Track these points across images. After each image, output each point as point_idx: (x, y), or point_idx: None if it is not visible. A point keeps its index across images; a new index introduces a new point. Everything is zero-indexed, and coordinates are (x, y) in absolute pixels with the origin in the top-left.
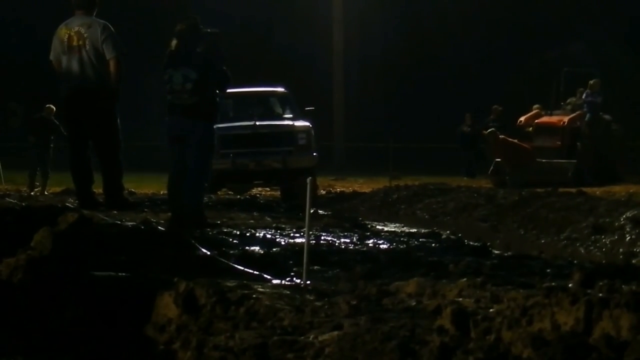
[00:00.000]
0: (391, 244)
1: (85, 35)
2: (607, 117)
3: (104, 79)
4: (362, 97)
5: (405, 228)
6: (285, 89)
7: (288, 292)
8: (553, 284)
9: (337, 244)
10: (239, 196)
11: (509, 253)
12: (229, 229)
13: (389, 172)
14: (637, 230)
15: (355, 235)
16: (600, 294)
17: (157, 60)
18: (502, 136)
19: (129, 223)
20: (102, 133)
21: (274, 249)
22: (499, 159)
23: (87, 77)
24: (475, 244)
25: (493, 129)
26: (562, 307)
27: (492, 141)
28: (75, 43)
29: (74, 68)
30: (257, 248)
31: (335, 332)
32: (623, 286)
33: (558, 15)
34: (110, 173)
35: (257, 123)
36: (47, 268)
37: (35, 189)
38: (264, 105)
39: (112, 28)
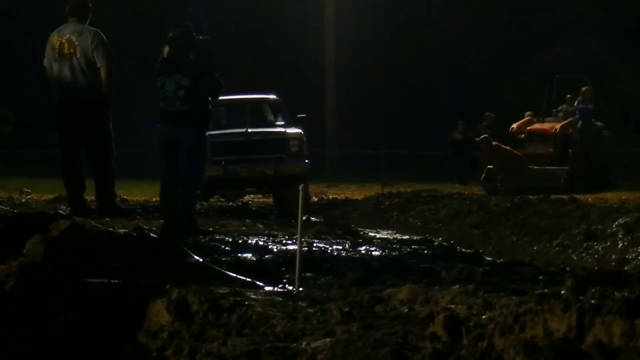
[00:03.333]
0: (383, 251)
1: (76, 43)
2: (599, 124)
3: (96, 87)
4: (354, 104)
5: (397, 235)
6: (277, 96)
7: (280, 299)
8: (545, 290)
9: (329, 251)
10: (231, 203)
11: (501, 260)
12: (221, 236)
13: (381, 179)
14: (629, 237)
15: (348, 242)
16: (593, 301)
17: (148, 67)
18: (495, 142)
19: (121, 230)
20: (94, 140)
21: (267, 256)
22: (491, 166)
23: (78, 84)
24: (468, 250)
25: (486, 135)
26: (555, 314)
27: (485, 147)
28: (66, 51)
29: (65, 75)
30: (249, 255)
31: (328, 339)
32: (615, 293)
33: (551, 22)
34: (102, 180)
35: (249, 130)
36: (39, 275)
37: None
38: (255, 113)
39: (103, 36)
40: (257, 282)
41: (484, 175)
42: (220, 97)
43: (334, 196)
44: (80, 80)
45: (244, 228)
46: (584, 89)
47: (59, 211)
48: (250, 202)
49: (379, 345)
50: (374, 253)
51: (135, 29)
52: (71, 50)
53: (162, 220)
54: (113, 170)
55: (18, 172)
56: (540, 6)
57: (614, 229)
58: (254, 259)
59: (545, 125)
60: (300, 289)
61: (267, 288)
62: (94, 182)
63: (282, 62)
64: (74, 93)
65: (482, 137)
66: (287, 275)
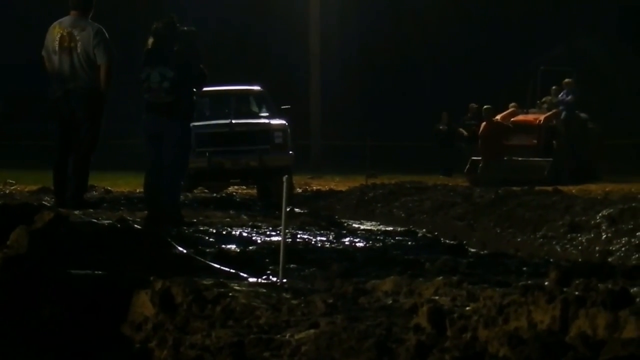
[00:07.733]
0: (367, 243)
1: (78, 37)
2: (583, 115)
3: (93, 83)
4: (338, 96)
5: (381, 226)
6: (262, 87)
7: (264, 291)
8: (529, 282)
9: (313, 243)
10: (215, 194)
11: (485, 251)
12: (206, 227)
13: (366, 170)
14: (613, 229)
15: (332, 233)
16: (577, 293)
17: (133, 58)
18: (498, 118)
19: (106, 221)
20: (84, 135)
21: (251, 248)
22: (481, 139)
23: (76, 79)
24: (452, 242)
25: (490, 106)
26: (539, 306)
27: (486, 118)
28: (66, 44)
29: (64, 69)
30: (233, 246)
31: (312, 331)
32: (599, 284)
33: (536, 13)
34: (78, 173)
35: (234, 121)
36: (23, 267)
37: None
38: (240, 104)
39: (105, 33)
40: (241, 274)
41: (468, 166)
42: (205, 89)
43: (318, 187)
44: (79, 75)
45: (228, 219)
46: (565, 80)
47: (43, 202)
48: (234, 194)
49: (363, 337)
50: (358, 244)
51: (120, 18)
52: (72, 44)
53: (146, 212)
54: (89, 165)
55: (2, 164)
56: None
57: (598, 221)
58: (238, 251)
59: (530, 117)
60: (284, 280)
61: (251, 279)
62: (70, 172)
63: (267, 53)
64: (71, 87)
65: (485, 107)
66: (271, 267)
